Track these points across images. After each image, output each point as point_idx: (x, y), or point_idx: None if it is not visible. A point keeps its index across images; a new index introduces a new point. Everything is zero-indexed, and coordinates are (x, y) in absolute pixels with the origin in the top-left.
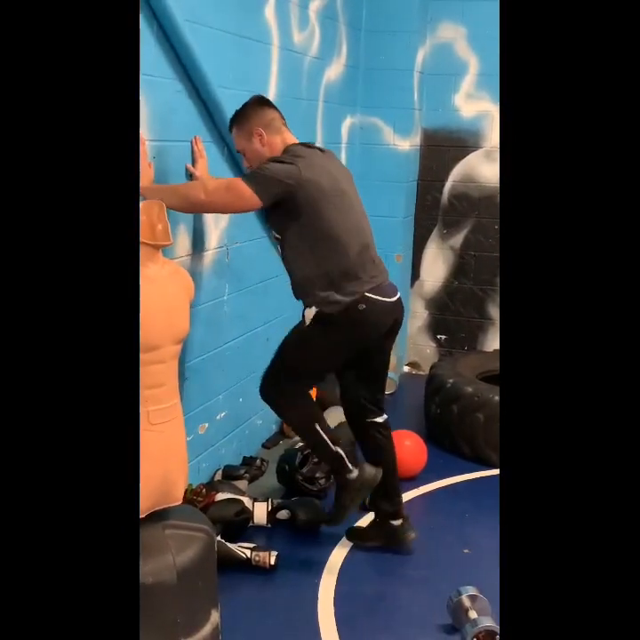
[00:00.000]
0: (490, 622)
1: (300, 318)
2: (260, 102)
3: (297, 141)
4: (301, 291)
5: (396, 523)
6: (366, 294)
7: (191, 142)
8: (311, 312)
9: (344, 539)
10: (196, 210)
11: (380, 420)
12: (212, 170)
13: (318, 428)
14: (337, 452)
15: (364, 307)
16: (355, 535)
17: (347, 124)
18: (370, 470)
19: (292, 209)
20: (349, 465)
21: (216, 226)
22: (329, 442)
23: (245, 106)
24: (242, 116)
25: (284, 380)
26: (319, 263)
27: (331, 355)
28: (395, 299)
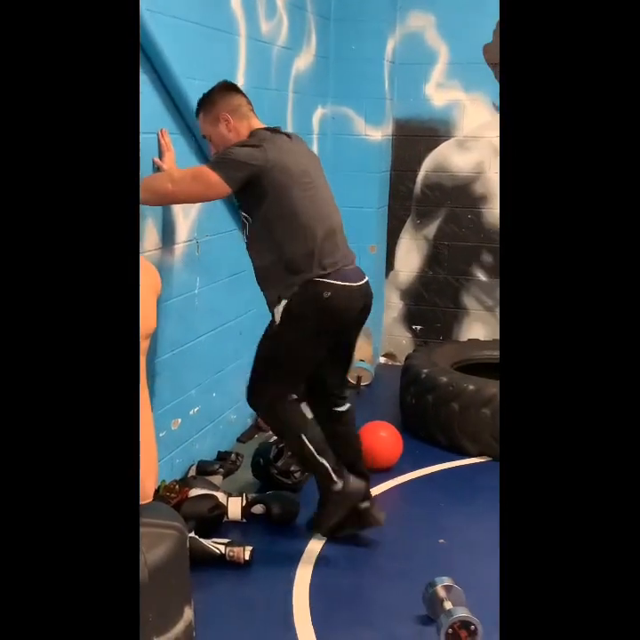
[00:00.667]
0: (465, 612)
1: (270, 317)
2: (228, 87)
3: (263, 126)
4: (262, 277)
5: (365, 505)
6: (327, 280)
7: (157, 135)
8: (279, 309)
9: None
10: (164, 201)
11: (343, 409)
12: (179, 162)
13: (305, 438)
14: (322, 464)
15: (329, 294)
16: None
17: (318, 114)
18: (355, 482)
19: (258, 191)
20: (334, 476)
21: (185, 218)
22: (315, 452)
23: (212, 91)
24: (208, 100)
25: (269, 385)
26: (281, 247)
27: (307, 348)
28: (361, 283)
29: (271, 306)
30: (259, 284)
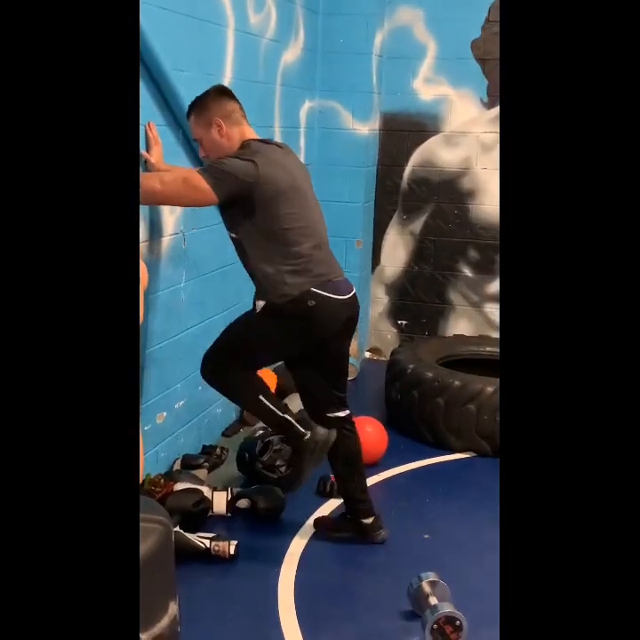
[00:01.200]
0: (450, 608)
1: (252, 306)
2: (222, 92)
3: (256, 136)
4: (259, 286)
5: (368, 521)
6: (314, 290)
7: (145, 128)
8: (261, 303)
9: (304, 527)
10: (150, 201)
11: (341, 414)
12: (167, 154)
13: (263, 398)
14: (285, 418)
15: (314, 303)
16: (324, 526)
17: (305, 108)
18: (322, 431)
19: (248, 207)
20: (300, 428)
21: (171, 212)
22: (276, 409)
23: (206, 94)
24: (201, 104)
25: (226, 362)
26: (272, 260)
27: (275, 346)
28: (348, 296)
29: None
30: (256, 285)
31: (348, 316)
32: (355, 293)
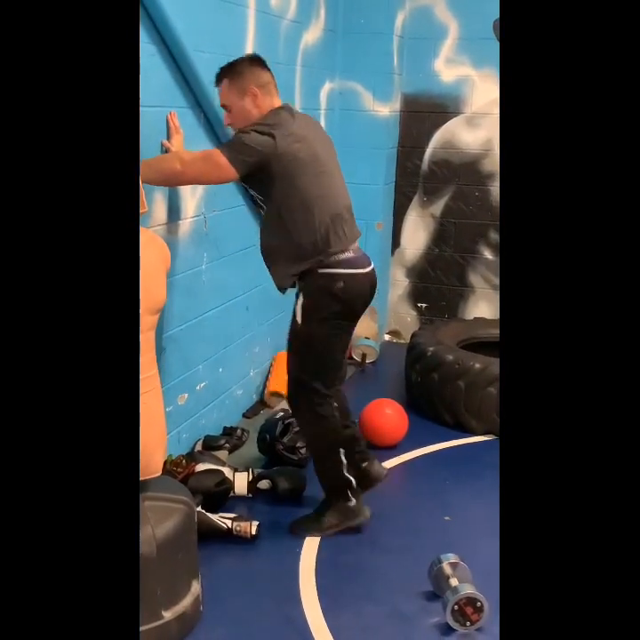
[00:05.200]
0: (471, 589)
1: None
2: (257, 61)
3: (282, 105)
4: (267, 258)
5: (365, 464)
6: (337, 271)
7: (167, 117)
8: (299, 310)
9: None
10: (171, 182)
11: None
12: (188, 137)
13: (342, 454)
14: (348, 479)
15: (342, 284)
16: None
17: (326, 89)
18: (365, 512)
19: (267, 178)
20: (350, 495)
21: (193, 194)
22: (345, 468)
23: (240, 61)
24: (235, 71)
25: (312, 384)
26: (289, 233)
27: (335, 337)
28: (369, 268)
29: (280, 289)
30: (265, 262)
31: (371, 288)
32: (373, 266)
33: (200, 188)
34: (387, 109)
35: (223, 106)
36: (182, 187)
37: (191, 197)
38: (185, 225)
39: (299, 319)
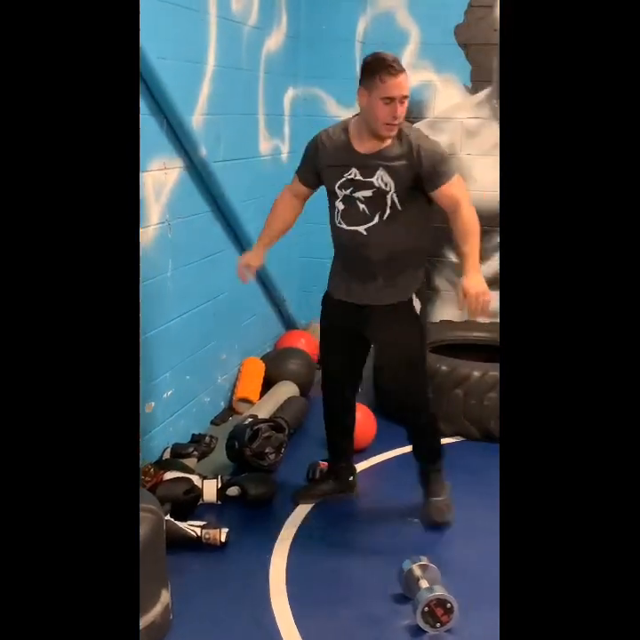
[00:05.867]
0: (441, 591)
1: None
2: None
3: None
4: (400, 262)
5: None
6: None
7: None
8: (416, 306)
9: (294, 513)
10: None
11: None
12: (149, 143)
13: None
14: None
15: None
16: (304, 495)
17: (289, 95)
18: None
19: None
20: None
21: (156, 200)
22: None
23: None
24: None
25: (427, 391)
26: (424, 238)
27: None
28: None
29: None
30: (384, 269)
31: None
32: None
33: (163, 195)
34: (350, 115)
35: (405, 96)
36: (146, 193)
37: (154, 204)
38: (149, 232)
39: (417, 310)
